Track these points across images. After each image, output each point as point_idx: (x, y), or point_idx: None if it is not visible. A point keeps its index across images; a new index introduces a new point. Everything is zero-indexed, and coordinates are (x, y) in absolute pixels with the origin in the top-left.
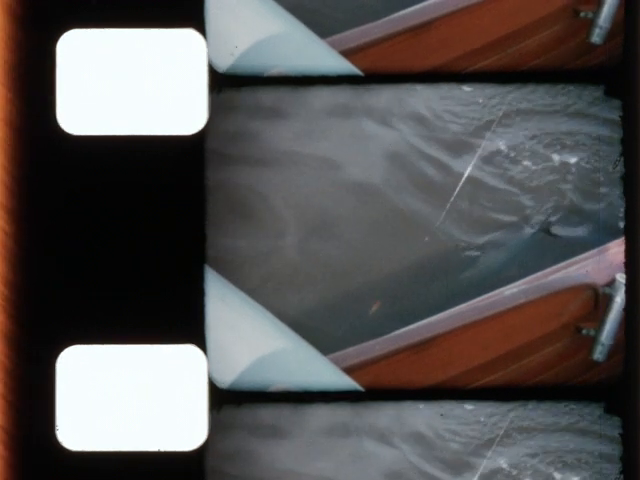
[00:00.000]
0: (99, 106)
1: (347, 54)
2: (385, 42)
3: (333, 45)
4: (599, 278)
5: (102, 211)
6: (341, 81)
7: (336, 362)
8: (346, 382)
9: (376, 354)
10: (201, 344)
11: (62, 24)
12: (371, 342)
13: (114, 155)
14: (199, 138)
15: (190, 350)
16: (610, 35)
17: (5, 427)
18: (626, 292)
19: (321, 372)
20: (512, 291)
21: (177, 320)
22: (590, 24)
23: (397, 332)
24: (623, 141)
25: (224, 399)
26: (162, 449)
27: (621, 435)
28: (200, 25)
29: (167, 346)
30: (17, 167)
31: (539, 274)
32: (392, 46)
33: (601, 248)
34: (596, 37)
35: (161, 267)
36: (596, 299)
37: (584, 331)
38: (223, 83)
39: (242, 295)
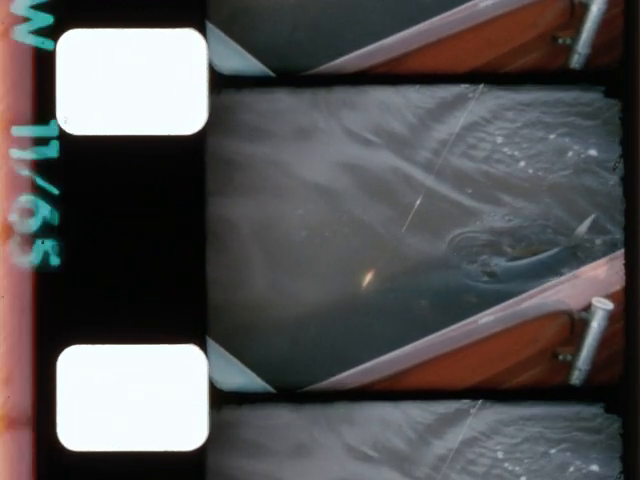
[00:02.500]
0: (99, 106)
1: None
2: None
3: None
4: (575, 303)
5: (102, 211)
6: (342, 80)
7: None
8: None
9: (348, 387)
10: (201, 344)
11: (62, 25)
12: (343, 375)
13: (114, 155)
14: (199, 138)
15: (190, 350)
16: (590, 60)
17: (5, 427)
18: (626, 292)
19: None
20: (487, 319)
21: (177, 320)
22: (569, 50)
23: (368, 364)
24: (623, 142)
25: (224, 399)
26: (162, 449)
27: (621, 435)
28: (200, 25)
29: (167, 346)
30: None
31: (513, 301)
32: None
33: (576, 272)
34: (575, 63)
35: (161, 267)
36: (572, 324)
37: (560, 357)
38: (223, 83)
39: None
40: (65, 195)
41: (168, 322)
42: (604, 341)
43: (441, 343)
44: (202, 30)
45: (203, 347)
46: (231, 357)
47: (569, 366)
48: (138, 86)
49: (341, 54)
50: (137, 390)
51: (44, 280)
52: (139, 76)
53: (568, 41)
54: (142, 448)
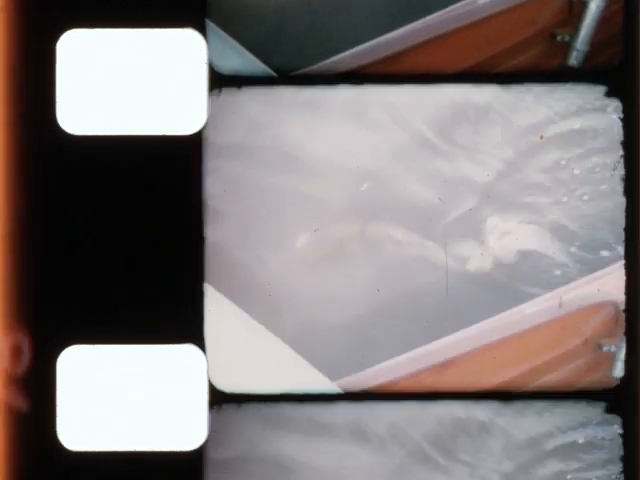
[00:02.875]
0: (99, 106)
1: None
2: (362, 69)
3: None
4: (619, 295)
5: (102, 211)
6: (340, 81)
7: (356, 383)
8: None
9: (397, 374)
10: (201, 344)
11: (62, 24)
12: (391, 362)
13: (114, 155)
14: (199, 138)
15: (190, 350)
16: (589, 57)
17: (5, 427)
18: (626, 292)
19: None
20: (533, 309)
21: (177, 320)
22: (567, 47)
23: (417, 352)
24: (623, 142)
25: (224, 399)
26: (162, 449)
27: (621, 435)
28: (200, 25)
29: (167, 346)
30: (17, 167)
31: (560, 290)
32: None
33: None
34: (574, 60)
35: (161, 267)
36: (570, 5)
37: (559, 37)
38: (223, 83)
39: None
40: (65, 195)
41: (168, 322)
42: (603, 21)
43: (436, 25)
44: (202, 30)
45: (203, 347)
46: (230, 39)
47: (567, 47)
48: (138, 86)
49: (337, 52)
50: (137, 390)
51: (44, 280)
52: (139, 76)
53: (567, 38)
54: (142, 448)
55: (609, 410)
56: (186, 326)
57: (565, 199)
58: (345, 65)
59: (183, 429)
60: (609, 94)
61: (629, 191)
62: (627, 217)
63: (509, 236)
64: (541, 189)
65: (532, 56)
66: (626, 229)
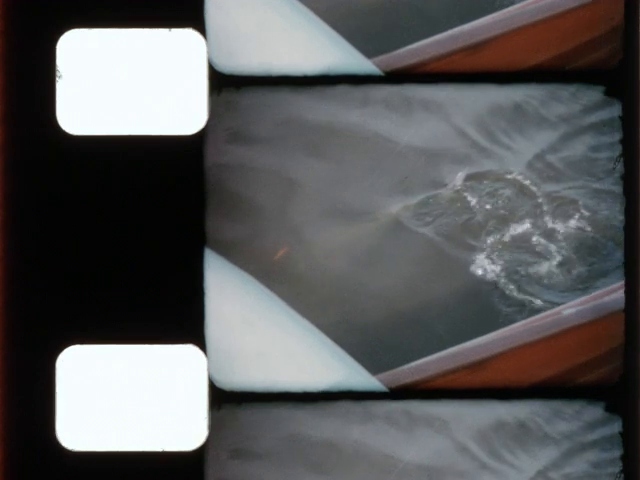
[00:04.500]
0: (99, 106)
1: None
2: (439, 60)
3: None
4: None
5: (102, 211)
6: (340, 81)
7: (389, 381)
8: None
9: (430, 373)
10: (201, 344)
11: (62, 24)
12: (426, 360)
13: (114, 155)
14: (199, 138)
15: (190, 350)
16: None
17: (5, 427)
18: (626, 292)
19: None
20: (570, 311)
21: (177, 320)
22: None
23: (452, 350)
24: (623, 141)
25: (224, 399)
26: (162, 449)
27: (621, 435)
28: (200, 25)
29: (167, 346)
30: (17, 167)
31: (596, 294)
32: (448, 63)
33: None
34: None
35: (161, 267)
36: None
37: None
38: (223, 83)
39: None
40: (65, 195)
41: (168, 322)
42: None
43: (511, 18)
44: (202, 30)
45: (203, 347)
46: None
47: None
48: (138, 86)
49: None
50: (137, 390)
51: (44, 280)
52: (139, 76)
53: None
54: (142, 448)
55: (608, 410)
56: (186, 326)
57: None
58: (402, 61)
59: (183, 429)
60: (609, 94)
61: (629, 191)
62: (627, 217)
63: None
64: None
65: (607, 52)
66: (626, 229)
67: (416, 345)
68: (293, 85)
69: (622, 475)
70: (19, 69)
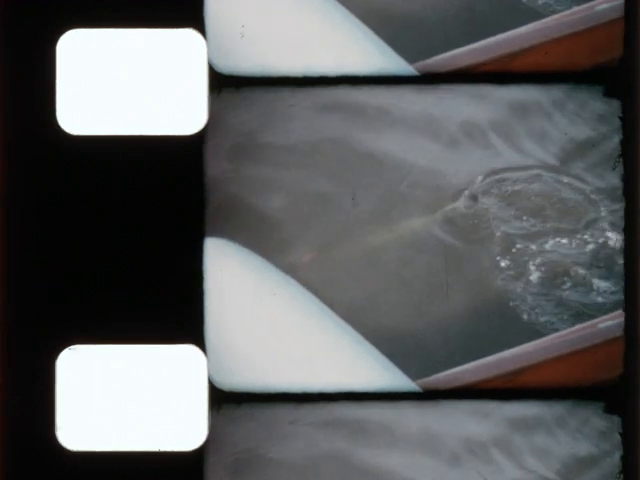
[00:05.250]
0: (99, 106)
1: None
2: (478, 66)
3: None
4: None
5: (102, 211)
6: (341, 81)
7: (435, 384)
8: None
9: (467, 381)
10: (201, 344)
11: (62, 24)
12: (461, 368)
13: (114, 155)
14: (199, 138)
15: (190, 350)
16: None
17: (5, 427)
18: (625, 292)
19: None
20: (607, 324)
21: (177, 320)
22: None
23: (487, 360)
24: (623, 141)
25: (224, 399)
26: (162, 449)
27: (621, 435)
28: (200, 25)
29: (167, 346)
30: (17, 167)
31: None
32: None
33: None
34: None
35: (161, 268)
36: None
37: None
38: (223, 83)
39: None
40: (65, 195)
41: (168, 322)
42: None
43: (553, 27)
44: (202, 30)
45: (203, 347)
46: None
47: None
48: (138, 86)
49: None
50: (137, 390)
51: (44, 280)
52: (139, 76)
53: None
54: (142, 448)
55: (608, 410)
56: (186, 326)
57: None
58: (456, 63)
59: (183, 429)
60: (609, 94)
61: (629, 191)
62: (627, 217)
63: None
64: None
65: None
66: (626, 229)
67: (449, 354)
68: (293, 85)
69: (622, 475)
70: (19, 69)
